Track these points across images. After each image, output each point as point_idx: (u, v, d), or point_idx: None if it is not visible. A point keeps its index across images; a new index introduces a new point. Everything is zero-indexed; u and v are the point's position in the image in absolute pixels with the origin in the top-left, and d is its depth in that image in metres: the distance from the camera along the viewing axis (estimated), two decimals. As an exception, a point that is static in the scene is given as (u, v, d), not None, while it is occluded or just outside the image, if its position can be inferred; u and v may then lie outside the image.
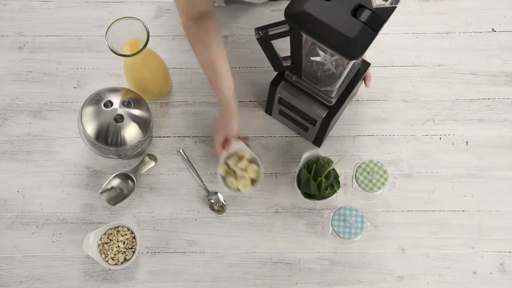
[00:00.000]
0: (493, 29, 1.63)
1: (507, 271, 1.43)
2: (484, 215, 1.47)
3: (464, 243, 1.45)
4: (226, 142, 1.37)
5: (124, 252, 1.42)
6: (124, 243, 1.42)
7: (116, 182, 1.46)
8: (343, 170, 1.49)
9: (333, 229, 1.33)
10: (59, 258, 1.44)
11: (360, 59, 1.35)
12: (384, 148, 1.52)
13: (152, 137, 1.51)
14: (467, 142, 1.53)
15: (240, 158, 1.39)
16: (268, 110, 1.52)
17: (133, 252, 1.41)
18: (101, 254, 1.41)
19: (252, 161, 1.40)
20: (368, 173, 1.37)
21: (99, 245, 1.42)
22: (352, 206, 1.34)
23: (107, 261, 1.41)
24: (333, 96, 1.35)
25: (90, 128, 1.35)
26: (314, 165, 1.39)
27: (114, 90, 1.40)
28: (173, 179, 1.50)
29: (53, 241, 1.45)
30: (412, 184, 1.49)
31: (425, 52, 1.61)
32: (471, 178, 1.50)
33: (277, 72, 1.39)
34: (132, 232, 1.42)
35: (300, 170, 1.41)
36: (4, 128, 1.54)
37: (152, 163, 1.50)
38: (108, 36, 1.32)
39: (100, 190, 1.44)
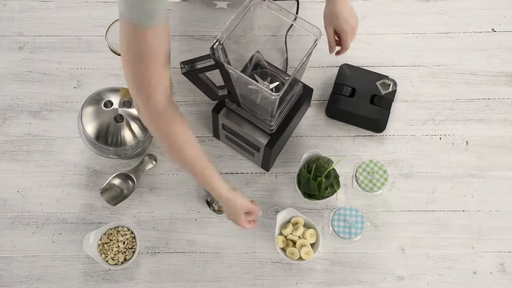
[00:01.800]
0: (493, 29, 1.63)
1: (507, 271, 1.43)
2: (484, 215, 1.47)
3: (464, 243, 1.45)
4: (248, 215, 1.30)
5: (124, 252, 1.42)
6: (124, 243, 1.42)
7: (116, 182, 1.46)
8: (343, 170, 1.49)
9: (333, 229, 1.33)
10: (59, 258, 1.44)
11: (300, 86, 1.36)
12: (384, 148, 1.52)
13: (152, 137, 1.51)
14: (467, 142, 1.53)
15: (294, 225, 1.40)
16: (216, 135, 1.51)
17: (133, 252, 1.41)
18: (101, 254, 1.41)
19: (307, 225, 1.41)
20: (368, 173, 1.37)
21: (99, 245, 1.42)
22: (352, 206, 1.34)
23: (107, 261, 1.41)
24: (272, 124, 1.34)
25: (90, 128, 1.36)
26: (314, 165, 1.39)
27: (114, 90, 1.40)
28: (173, 179, 1.50)
29: (53, 241, 1.45)
30: (412, 184, 1.49)
31: (425, 52, 1.61)
32: (471, 178, 1.50)
33: None
34: (132, 232, 1.43)
35: (300, 170, 1.41)
36: (4, 128, 1.54)
37: (152, 163, 1.50)
38: (108, 36, 1.32)
39: (100, 190, 1.44)
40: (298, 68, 1.20)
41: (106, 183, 1.45)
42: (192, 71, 1.20)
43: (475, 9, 1.64)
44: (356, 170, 1.37)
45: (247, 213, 1.29)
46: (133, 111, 1.38)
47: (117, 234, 1.42)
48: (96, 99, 1.37)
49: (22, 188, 1.49)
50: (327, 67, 1.59)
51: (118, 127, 1.36)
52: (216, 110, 1.40)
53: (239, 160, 1.52)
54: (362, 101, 1.51)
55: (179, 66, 1.21)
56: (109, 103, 1.37)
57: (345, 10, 1.32)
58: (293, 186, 1.49)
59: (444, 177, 1.50)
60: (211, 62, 1.18)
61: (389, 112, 1.52)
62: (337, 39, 1.39)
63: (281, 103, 1.34)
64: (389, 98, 1.52)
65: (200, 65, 1.20)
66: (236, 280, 1.43)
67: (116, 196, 1.45)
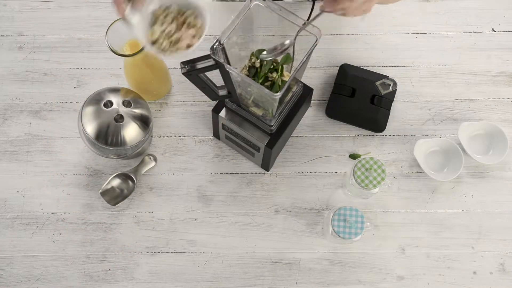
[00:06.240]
0: (493, 29, 1.63)
1: (507, 271, 1.43)
2: (484, 215, 1.47)
3: (464, 243, 1.45)
4: None
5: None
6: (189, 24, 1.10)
7: (116, 182, 1.46)
8: (342, 170, 1.49)
9: (333, 229, 1.33)
10: (59, 258, 1.44)
11: (300, 86, 1.36)
12: (384, 148, 1.52)
13: (152, 137, 1.51)
14: (467, 142, 1.53)
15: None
16: (216, 135, 1.51)
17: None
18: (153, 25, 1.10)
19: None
20: (367, 169, 1.36)
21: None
22: (352, 206, 1.34)
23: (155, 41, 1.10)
24: (272, 124, 1.34)
25: (90, 128, 1.36)
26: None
27: (114, 90, 1.41)
28: (173, 179, 1.50)
29: (53, 241, 1.46)
30: (412, 184, 1.49)
31: (425, 52, 1.61)
32: (471, 178, 1.50)
33: None
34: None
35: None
36: (4, 128, 1.54)
37: (152, 163, 1.50)
38: (108, 36, 1.32)
39: (100, 190, 1.44)
40: (298, 68, 1.20)
41: (106, 183, 1.45)
42: (192, 71, 1.20)
43: (475, 9, 1.64)
44: (355, 165, 1.37)
45: None
46: (133, 111, 1.38)
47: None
48: (96, 99, 1.37)
49: (22, 188, 1.49)
50: (327, 67, 1.59)
51: (118, 127, 1.36)
52: (216, 110, 1.40)
53: (239, 160, 1.52)
54: (362, 101, 1.51)
55: (179, 66, 1.21)
56: (109, 103, 1.37)
57: None
58: (293, 186, 1.49)
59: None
60: (211, 62, 1.19)
61: (389, 112, 1.52)
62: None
63: (281, 103, 1.34)
64: (389, 98, 1.52)
65: (200, 65, 1.20)
66: (236, 280, 1.43)
67: (116, 196, 1.45)
